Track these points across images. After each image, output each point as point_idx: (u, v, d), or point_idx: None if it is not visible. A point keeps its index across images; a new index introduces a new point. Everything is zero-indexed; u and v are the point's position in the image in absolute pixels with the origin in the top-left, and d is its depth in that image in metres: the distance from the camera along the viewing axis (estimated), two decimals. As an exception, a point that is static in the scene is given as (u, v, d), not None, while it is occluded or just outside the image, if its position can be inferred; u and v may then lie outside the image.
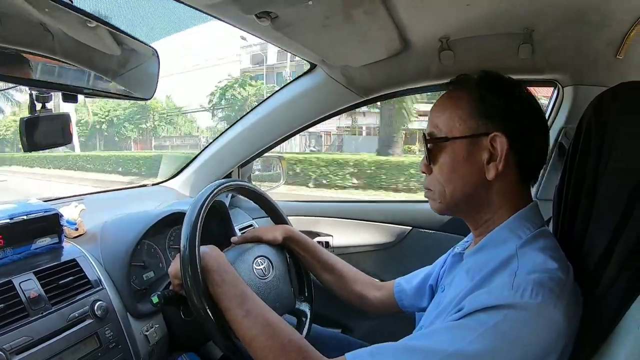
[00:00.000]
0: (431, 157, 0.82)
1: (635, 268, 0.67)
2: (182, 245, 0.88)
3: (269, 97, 1.64)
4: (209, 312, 0.84)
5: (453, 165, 0.79)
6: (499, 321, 0.64)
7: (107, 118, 25.95)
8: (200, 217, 0.93)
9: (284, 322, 0.85)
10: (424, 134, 0.84)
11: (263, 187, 1.94)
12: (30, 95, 0.80)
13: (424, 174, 0.87)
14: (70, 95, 0.81)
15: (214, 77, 23.61)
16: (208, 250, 0.92)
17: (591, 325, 0.70)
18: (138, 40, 0.89)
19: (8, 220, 0.96)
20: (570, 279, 0.70)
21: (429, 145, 0.82)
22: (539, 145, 0.80)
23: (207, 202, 0.96)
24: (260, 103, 1.65)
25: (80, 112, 25.33)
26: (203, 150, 1.79)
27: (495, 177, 0.77)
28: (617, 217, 0.70)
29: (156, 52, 0.94)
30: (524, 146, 0.77)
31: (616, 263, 0.69)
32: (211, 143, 1.77)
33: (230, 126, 1.72)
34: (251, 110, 1.68)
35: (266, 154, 1.82)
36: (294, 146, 20.75)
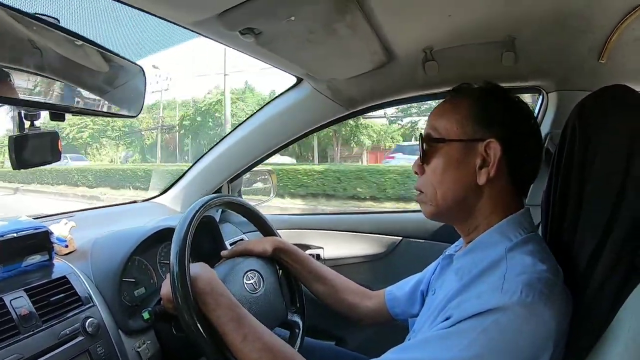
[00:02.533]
0: (425, 157, 0.84)
1: (623, 271, 0.69)
2: (171, 264, 0.88)
3: (257, 111, 1.65)
4: (203, 332, 0.84)
5: (446, 167, 0.81)
6: (489, 325, 0.64)
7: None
8: (189, 233, 0.93)
9: (283, 343, 0.86)
10: (420, 134, 0.86)
11: (254, 201, 1.94)
12: (19, 113, 0.81)
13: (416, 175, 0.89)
14: (57, 114, 0.81)
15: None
16: (200, 271, 0.91)
17: (583, 328, 0.71)
18: (124, 58, 0.90)
19: (-2, 238, 0.95)
20: (559, 281, 0.71)
21: (424, 145, 0.84)
22: (532, 155, 0.82)
23: (195, 219, 0.97)
24: (248, 118, 1.67)
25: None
26: (192, 165, 1.79)
27: (486, 183, 0.79)
28: (604, 220, 0.72)
29: (142, 69, 0.95)
30: (517, 155, 0.79)
31: (605, 266, 0.71)
32: (200, 158, 1.77)
33: (219, 141, 1.73)
34: (239, 124, 1.68)
35: (256, 168, 1.82)
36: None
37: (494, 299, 0.66)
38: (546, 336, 0.65)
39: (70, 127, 22.26)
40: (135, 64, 0.93)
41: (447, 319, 0.70)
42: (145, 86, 0.96)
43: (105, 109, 0.90)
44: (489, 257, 0.75)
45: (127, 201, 1.86)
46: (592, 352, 0.69)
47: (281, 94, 1.59)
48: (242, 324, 0.85)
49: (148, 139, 25.27)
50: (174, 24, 0.92)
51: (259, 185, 2.02)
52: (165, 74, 24.51)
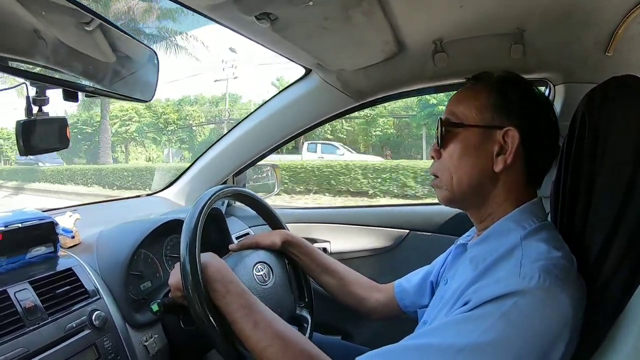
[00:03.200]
0: (443, 141, 0.85)
1: (634, 260, 0.69)
2: (181, 253, 0.86)
3: (263, 104, 1.64)
4: (212, 321, 0.82)
5: (463, 152, 0.82)
6: (509, 309, 0.64)
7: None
8: (200, 223, 0.92)
9: (294, 330, 0.85)
10: (440, 118, 0.86)
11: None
12: (27, 98, 0.79)
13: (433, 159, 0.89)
14: (70, 93, 0.79)
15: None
16: (209, 259, 0.90)
17: (596, 316, 0.70)
18: (140, 41, 0.89)
19: (3, 228, 0.92)
20: (574, 268, 0.71)
21: (442, 130, 0.84)
22: (548, 146, 0.83)
23: (205, 208, 0.95)
24: (254, 110, 1.65)
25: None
26: (197, 159, 1.78)
27: (502, 171, 0.79)
28: (615, 211, 0.72)
29: (156, 54, 0.93)
30: (534, 145, 0.80)
31: (615, 256, 0.71)
32: (205, 152, 1.76)
33: (225, 134, 1.72)
34: (245, 117, 1.67)
35: (260, 162, 1.81)
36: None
37: (513, 283, 0.66)
38: (564, 322, 0.65)
39: (110, 120, 20.87)
40: (150, 48, 0.91)
41: (465, 304, 0.70)
42: (158, 71, 0.95)
43: (119, 91, 0.88)
44: (504, 245, 0.75)
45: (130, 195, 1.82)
46: (603, 343, 0.69)
47: (289, 85, 1.58)
48: (252, 311, 0.83)
49: (200, 135, 23.87)
50: (189, 8, 0.90)
51: (263, 180, 2.01)
52: (230, 61, 23.53)
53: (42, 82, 0.75)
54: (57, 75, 0.76)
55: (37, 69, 0.72)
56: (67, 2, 0.70)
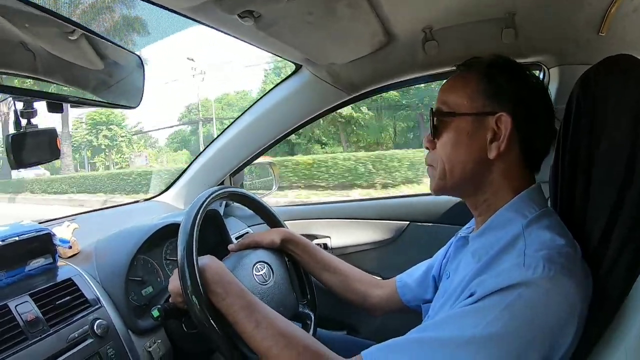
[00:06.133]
0: (436, 132, 0.83)
1: (636, 244, 0.67)
2: (179, 258, 0.86)
3: (256, 102, 1.64)
4: (214, 324, 0.82)
5: (456, 141, 0.80)
6: (513, 301, 0.63)
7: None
8: (196, 226, 0.91)
9: (297, 328, 0.85)
10: (431, 109, 0.85)
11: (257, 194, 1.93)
12: (15, 111, 0.78)
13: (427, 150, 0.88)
14: (55, 105, 0.79)
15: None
16: (207, 262, 0.89)
17: (600, 303, 0.69)
18: (124, 48, 0.88)
19: (0, 243, 0.93)
20: (578, 255, 0.70)
21: (435, 120, 0.83)
22: (544, 130, 0.81)
23: (201, 211, 0.95)
24: (247, 109, 1.65)
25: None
26: (193, 161, 1.77)
27: (497, 157, 0.77)
28: (615, 194, 0.71)
29: (141, 60, 0.93)
30: (529, 129, 0.78)
31: (617, 240, 0.69)
32: (201, 153, 1.75)
33: (219, 135, 1.71)
34: (239, 117, 1.66)
35: (257, 161, 1.80)
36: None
37: (517, 274, 0.65)
38: (571, 310, 0.65)
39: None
40: (135, 53, 0.91)
41: (469, 296, 0.69)
42: (144, 76, 0.94)
43: (105, 99, 0.87)
44: (506, 236, 0.74)
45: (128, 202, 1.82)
46: (610, 327, 0.68)
47: (280, 82, 1.57)
48: (253, 311, 0.83)
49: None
50: (171, 10, 0.89)
51: (261, 178, 2.00)
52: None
53: (26, 96, 0.75)
54: (39, 87, 0.75)
55: (17, 81, 0.71)
56: (49, 15, 0.69)
